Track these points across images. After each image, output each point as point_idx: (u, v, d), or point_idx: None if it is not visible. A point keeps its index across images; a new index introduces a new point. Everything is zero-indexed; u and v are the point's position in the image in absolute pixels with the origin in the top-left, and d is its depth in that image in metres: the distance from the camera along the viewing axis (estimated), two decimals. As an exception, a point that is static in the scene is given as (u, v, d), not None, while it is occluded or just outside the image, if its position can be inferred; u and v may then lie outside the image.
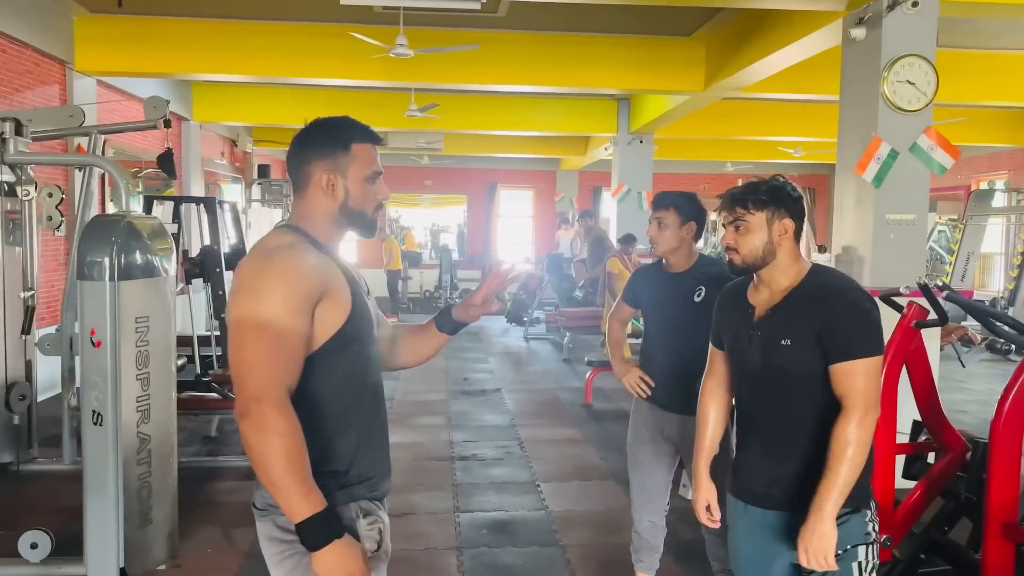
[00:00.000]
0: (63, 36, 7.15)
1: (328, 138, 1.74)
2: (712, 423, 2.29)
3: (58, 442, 4.84)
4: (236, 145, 13.69)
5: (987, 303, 9.93)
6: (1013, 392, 2.57)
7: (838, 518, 1.89)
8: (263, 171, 13.44)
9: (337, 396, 1.68)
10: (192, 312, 6.39)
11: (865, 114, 4.83)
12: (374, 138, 1.78)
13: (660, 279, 3.07)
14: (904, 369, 3.32)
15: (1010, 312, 9.26)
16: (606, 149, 11.94)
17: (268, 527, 1.70)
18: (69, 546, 3.39)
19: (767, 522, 2.05)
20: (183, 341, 5.28)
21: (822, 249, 10.69)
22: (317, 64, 8.12)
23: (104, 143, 8.23)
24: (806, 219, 2.13)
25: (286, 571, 1.69)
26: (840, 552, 1.91)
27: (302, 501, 1.51)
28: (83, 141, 6.55)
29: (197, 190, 10.91)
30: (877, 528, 2.03)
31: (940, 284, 2.95)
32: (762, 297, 2.09)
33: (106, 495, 3.16)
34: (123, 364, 3.17)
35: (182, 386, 4.39)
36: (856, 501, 1.95)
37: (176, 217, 7.34)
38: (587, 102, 11.17)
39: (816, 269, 2.06)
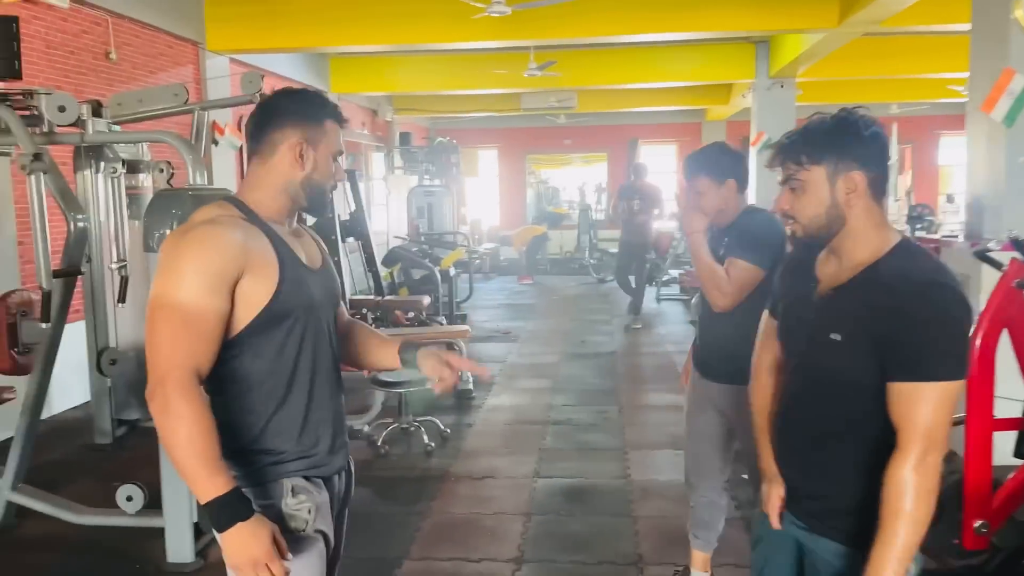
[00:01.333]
0: (194, 18, 7.58)
1: (306, 109, 1.70)
2: (767, 404, 1.87)
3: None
4: (377, 115, 14.11)
5: None
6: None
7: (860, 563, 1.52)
8: (404, 139, 13.83)
9: (269, 374, 1.64)
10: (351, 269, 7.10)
11: (997, 44, 4.23)
12: (342, 119, 1.76)
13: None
14: (1008, 336, 2.92)
15: None
16: (744, 96, 11.29)
17: None
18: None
19: (783, 533, 1.77)
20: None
21: (950, 198, 9.59)
22: (436, 29, 8.12)
23: (240, 119, 8.72)
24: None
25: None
26: None
27: (206, 482, 1.49)
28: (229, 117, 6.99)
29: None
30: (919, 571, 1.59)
31: (1029, 238, 2.54)
32: (830, 270, 1.66)
33: (178, 454, 3.36)
34: (189, 331, 3.35)
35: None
36: None
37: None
38: (723, 47, 10.56)
39: (903, 246, 1.59)
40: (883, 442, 1.52)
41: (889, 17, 6.95)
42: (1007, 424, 2.99)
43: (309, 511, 1.66)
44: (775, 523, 1.77)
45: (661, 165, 17.52)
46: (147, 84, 6.92)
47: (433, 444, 4.79)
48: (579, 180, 17.65)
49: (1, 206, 5.45)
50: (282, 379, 1.66)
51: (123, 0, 6.49)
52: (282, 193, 1.69)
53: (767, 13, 7.59)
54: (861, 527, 1.55)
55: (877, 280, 1.54)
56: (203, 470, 1.49)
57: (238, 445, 1.63)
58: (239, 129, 8.78)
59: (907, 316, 1.47)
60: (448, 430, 5.05)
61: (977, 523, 2.88)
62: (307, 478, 1.69)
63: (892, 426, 1.50)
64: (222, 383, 1.62)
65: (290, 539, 1.62)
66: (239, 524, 1.50)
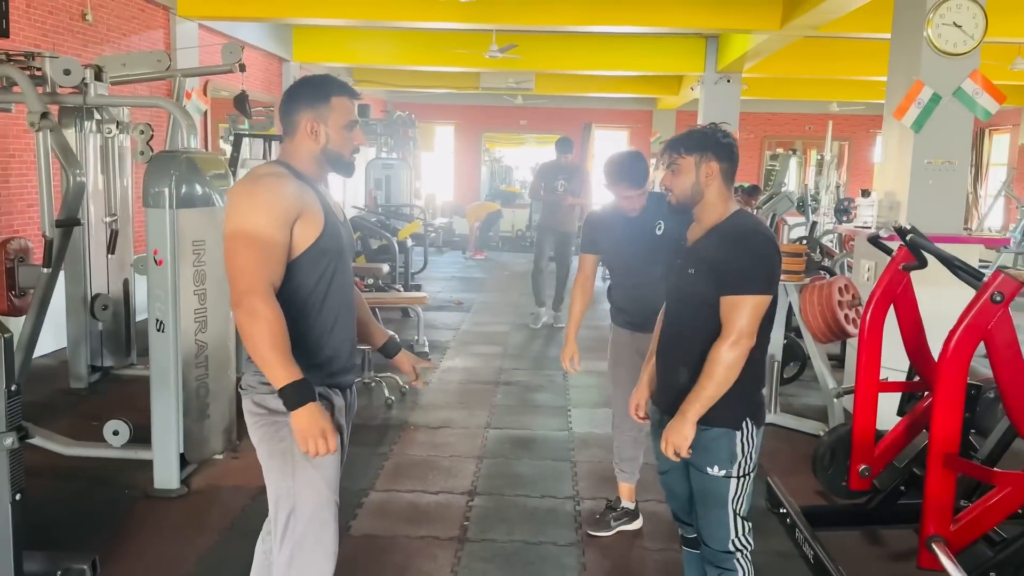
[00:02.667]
0: (165, -17, 7.76)
1: (312, 92, 2.07)
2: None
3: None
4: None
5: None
6: (959, 330, 2.68)
7: (713, 438, 2.20)
8: (362, 111, 14.03)
9: (308, 299, 2.04)
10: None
11: (911, 57, 4.77)
12: (351, 93, 2.12)
13: (619, 222, 3.28)
14: (895, 311, 3.45)
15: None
16: (692, 89, 11.82)
17: (248, 403, 2.11)
18: (147, 436, 3.97)
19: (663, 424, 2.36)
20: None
21: (865, 193, 10.30)
22: (402, 8, 8.42)
23: (206, 84, 8.92)
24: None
25: (259, 436, 2.10)
26: (712, 472, 2.22)
27: (283, 371, 1.89)
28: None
29: (296, 128, 11.56)
30: (751, 456, 2.24)
31: (907, 227, 3.06)
32: (694, 233, 2.35)
33: (168, 391, 3.71)
34: (182, 280, 3.69)
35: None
36: (726, 422, 2.21)
37: (267, 153, 7.98)
38: (677, 40, 11.04)
39: (738, 213, 2.27)
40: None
41: (827, 23, 7.51)
42: (889, 386, 3.52)
43: (332, 412, 2.08)
44: (631, 411, 2.55)
45: (614, 149, 18.09)
46: (120, 47, 7.10)
47: (393, 398, 5.21)
48: (532, 160, 18.05)
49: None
50: (316, 305, 2.06)
51: (100, -37, 6.67)
52: (311, 161, 2.09)
53: (715, 13, 8.09)
54: (718, 408, 2.16)
55: (718, 232, 2.23)
56: (281, 360, 1.90)
57: None
58: (204, 94, 8.98)
59: (732, 252, 2.17)
60: (407, 386, 5.46)
61: (861, 467, 3.41)
62: (329, 386, 2.11)
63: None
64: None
65: None
66: (309, 404, 1.91)
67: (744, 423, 2.22)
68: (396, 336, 2.46)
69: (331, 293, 2.08)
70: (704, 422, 2.19)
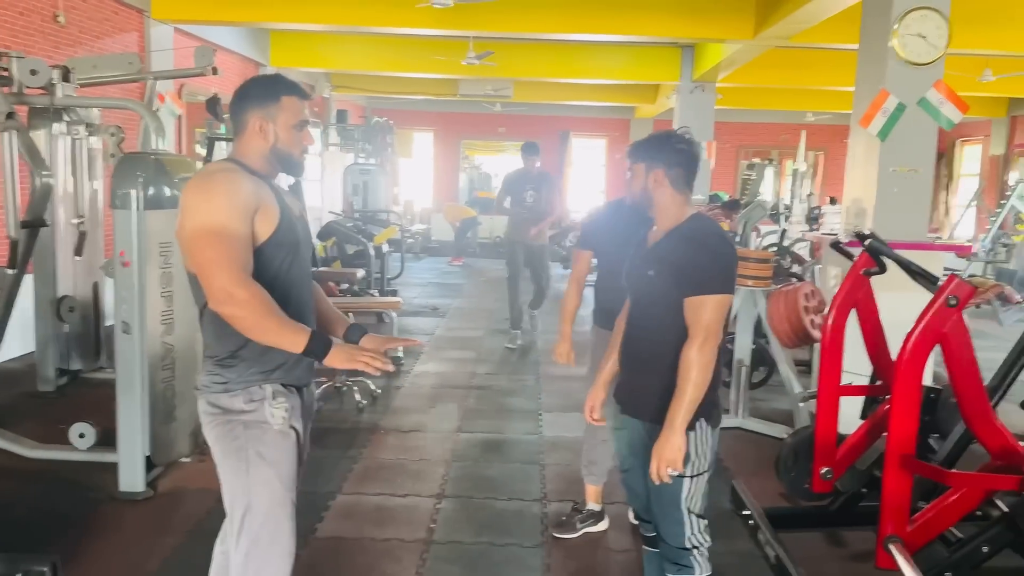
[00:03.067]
0: (140, -15, 7.72)
1: (262, 91, 2.07)
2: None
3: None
4: (314, 91, 14.24)
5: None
6: (916, 333, 2.73)
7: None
8: (341, 116, 14.02)
9: None
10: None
11: (877, 67, 4.85)
12: (301, 93, 2.11)
13: (622, 220, 3.33)
14: (856, 316, 3.50)
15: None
16: (668, 98, 11.92)
17: (202, 403, 2.10)
18: (114, 439, 3.91)
19: (631, 425, 2.41)
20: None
21: (833, 201, 10.48)
22: (379, 13, 8.43)
23: (181, 88, 8.88)
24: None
25: (214, 436, 2.10)
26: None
27: (297, 336, 1.91)
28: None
29: (273, 133, 11.51)
30: (705, 455, 2.27)
31: (867, 233, 3.11)
32: (653, 237, 2.41)
33: (134, 393, 3.69)
34: (148, 282, 3.67)
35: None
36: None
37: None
38: (653, 49, 11.15)
39: (694, 216, 2.34)
40: (679, 345, 2.20)
41: (799, 33, 7.62)
42: (851, 390, 3.57)
43: (286, 410, 2.07)
44: (586, 414, 2.60)
45: (592, 158, 18.19)
46: (93, 49, 7.06)
47: (364, 402, 5.20)
48: (511, 167, 18.09)
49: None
50: (274, 298, 1.99)
51: (73, -36, 6.63)
52: (261, 159, 2.08)
53: (690, 22, 8.19)
54: (652, 404, 2.25)
55: (676, 235, 2.29)
56: (289, 327, 1.92)
57: (233, 350, 2.01)
58: (179, 97, 8.94)
59: (691, 254, 2.22)
60: (378, 391, 5.47)
61: (823, 470, 3.46)
62: (284, 385, 2.09)
63: (685, 331, 2.20)
64: None
65: (270, 432, 2.03)
66: (333, 347, 1.95)
67: (698, 423, 2.24)
68: (359, 323, 2.41)
69: (286, 287, 2.06)
70: (659, 423, 2.21)
